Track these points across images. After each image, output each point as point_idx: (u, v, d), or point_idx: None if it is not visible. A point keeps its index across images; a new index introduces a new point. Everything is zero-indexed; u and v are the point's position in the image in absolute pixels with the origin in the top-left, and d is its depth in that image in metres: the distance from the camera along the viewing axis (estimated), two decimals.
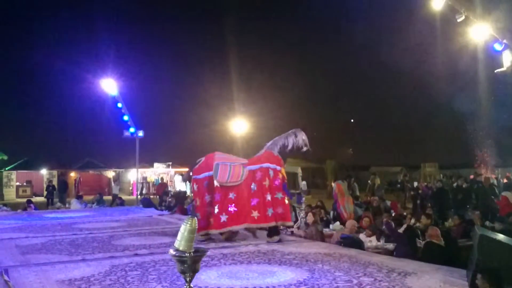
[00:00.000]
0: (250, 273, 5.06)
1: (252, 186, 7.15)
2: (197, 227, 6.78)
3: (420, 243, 7.50)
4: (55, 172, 31.43)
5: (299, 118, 43.03)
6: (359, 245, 7.10)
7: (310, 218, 9.19)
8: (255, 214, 7.03)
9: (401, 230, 7.84)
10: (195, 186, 7.34)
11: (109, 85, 18.37)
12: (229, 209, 7.02)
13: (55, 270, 5.21)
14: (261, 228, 7.34)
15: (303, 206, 11.52)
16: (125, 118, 18.57)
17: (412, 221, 10.34)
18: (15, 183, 31.47)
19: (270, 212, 7.04)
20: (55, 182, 26.15)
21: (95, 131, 34.09)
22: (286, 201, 7.27)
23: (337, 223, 10.22)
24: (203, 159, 7.41)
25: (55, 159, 33.04)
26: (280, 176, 7.31)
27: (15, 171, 31.80)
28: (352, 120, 47.85)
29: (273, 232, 7.18)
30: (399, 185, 22.86)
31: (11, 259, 5.86)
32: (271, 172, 7.22)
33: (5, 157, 31.46)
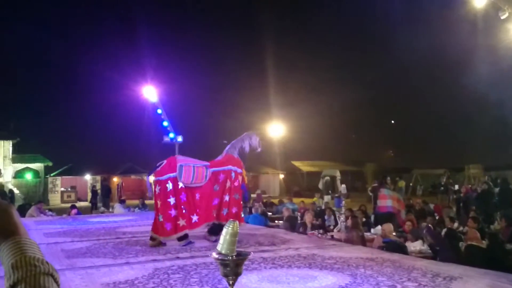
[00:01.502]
0: (291, 277, 5.03)
1: (215, 187, 7.42)
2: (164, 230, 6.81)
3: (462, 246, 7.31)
4: (98, 178, 32.27)
5: (337, 121, 42.73)
6: (402, 249, 6.96)
7: (350, 222, 9.08)
8: (214, 213, 7.41)
9: (442, 234, 7.66)
10: (157, 188, 7.25)
11: (149, 92, 18.74)
12: (197, 210, 7.26)
13: (100, 273, 5.31)
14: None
15: (343, 209, 11.41)
16: (165, 124, 18.89)
17: (456, 224, 10.08)
18: (60, 189, 32.47)
19: (225, 211, 7.40)
20: (98, 187, 26.85)
21: (136, 137, 34.89)
22: (241, 202, 7.80)
23: (378, 227, 10.06)
24: (164, 161, 7.40)
25: (98, 165, 33.92)
26: (240, 178, 7.68)
27: (60, 177, 32.83)
28: (392, 122, 46.98)
29: (214, 231, 7.34)
30: (442, 188, 22.31)
31: (58, 263, 6.01)
32: (233, 174, 7.56)
33: (50, 164, 32.54)
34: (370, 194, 17.72)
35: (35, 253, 1.10)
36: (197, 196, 7.28)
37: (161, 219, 7.07)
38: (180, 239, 7.11)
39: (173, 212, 7.08)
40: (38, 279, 1.03)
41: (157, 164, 7.40)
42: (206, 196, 7.35)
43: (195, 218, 7.19)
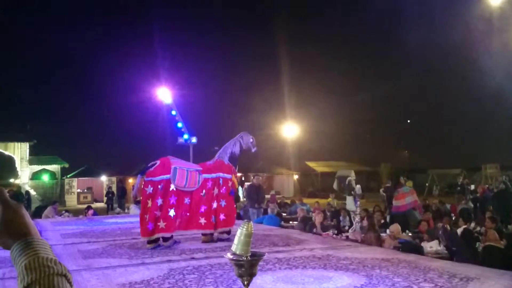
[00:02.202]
0: (305, 278, 5.02)
1: (202, 194, 7.37)
2: (147, 231, 6.68)
3: (480, 247, 7.22)
4: (114, 179, 32.52)
5: (351, 121, 42.52)
6: (418, 250, 6.90)
7: (367, 222, 9.04)
8: (202, 220, 7.31)
9: (459, 234, 7.59)
10: (149, 188, 7.16)
11: (163, 94, 18.86)
12: (184, 213, 7.23)
13: (116, 274, 5.35)
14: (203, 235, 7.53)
15: (358, 210, 11.36)
16: (179, 125, 18.98)
17: (473, 224, 9.97)
18: (76, 190, 32.79)
19: (213, 219, 7.36)
20: (114, 189, 27.07)
21: (151, 139, 35.10)
22: (234, 205, 7.81)
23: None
24: (158, 162, 7.35)
25: (114, 166, 34.21)
26: (230, 183, 7.62)
27: (76, 178, 33.17)
28: (408, 121, 46.56)
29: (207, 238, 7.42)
30: (459, 188, 22.06)
31: (74, 263, 6.07)
32: (220, 181, 7.52)
33: (67, 165, 32.91)
34: (383, 194, 17.61)
35: (48, 253, 1.09)
36: (186, 200, 7.27)
37: (147, 219, 7.03)
38: (165, 239, 7.11)
39: (157, 213, 7.06)
40: (52, 280, 1.03)
41: (149, 164, 7.36)
42: (195, 202, 7.32)
43: (178, 221, 7.17)
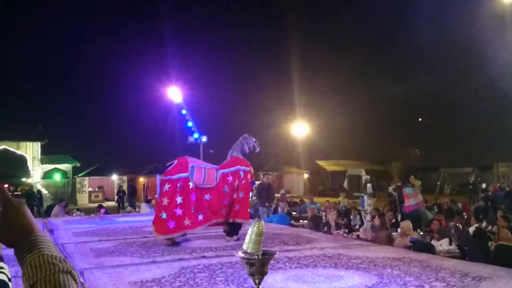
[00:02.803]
0: (316, 277, 5.00)
1: (224, 189, 7.52)
2: (167, 229, 6.78)
3: (492, 246, 7.15)
4: (125, 178, 32.71)
5: (362, 119, 42.34)
6: (429, 249, 6.85)
7: (378, 221, 8.99)
8: (224, 211, 7.56)
9: (470, 232, 7.53)
10: (166, 186, 7.26)
11: (174, 93, 18.92)
12: (205, 209, 7.38)
13: (128, 272, 5.38)
14: (218, 224, 7.74)
15: (369, 209, 11.31)
16: (189, 124, 19.03)
17: (484, 224, 9.89)
18: (88, 189, 33.01)
19: (237, 207, 7.56)
20: (125, 188, 27.21)
21: (161, 138, 35.27)
22: (248, 200, 7.97)
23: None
24: (175, 161, 7.48)
25: (125, 165, 34.42)
26: (249, 176, 7.82)
27: (87, 177, 33.40)
28: (420, 120, 46.20)
29: (232, 231, 7.54)
30: (470, 186, 21.89)
31: (86, 261, 6.11)
32: (241, 173, 7.68)
33: (78, 164, 33.14)
34: (394, 193, 17.51)
35: (52, 251, 1.09)
36: (206, 196, 7.40)
37: (164, 217, 7.12)
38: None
39: (178, 211, 7.13)
40: (57, 278, 1.03)
41: (167, 164, 7.53)
42: (215, 197, 7.47)
43: (200, 217, 7.32)
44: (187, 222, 7.17)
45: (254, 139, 8.23)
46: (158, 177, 7.50)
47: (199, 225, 7.39)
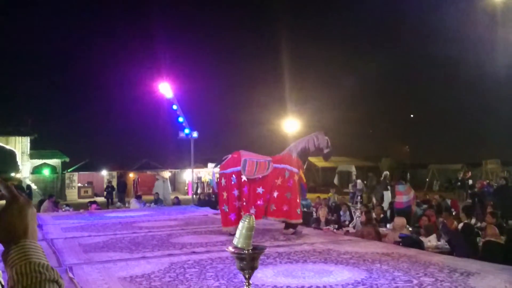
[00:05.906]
0: (306, 272, 5.03)
1: (277, 181, 7.58)
2: (230, 221, 6.90)
3: (480, 242, 7.23)
4: (114, 173, 32.54)
5: (352, 116, 42.48)
6: (418, 244, 6.90)
7: (364, 217, 9.03)
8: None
9: (459, 228, 7.59)
10: (222, 181, 7.63)
11: (165, 88, 18.82)
12: (258, 202, 7.48)
13: (117, 267, 5.37)
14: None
15: (359, 205, 11.36)
16: (180, 119, 18.95)
17: (473, 220, 9.98)
18: (77, 184, 32.79)
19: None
20: (114, 183, 27.07)
21: (152, 133, 35.14)
22: (298, 200, 7.78)
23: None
24: (229, 156, 7.73)
25: (115, 161, 34.24)
26: (296, 177, 7.76)
27: (77, 173, 33.16)
28: (412, 116, 46.39)
29: (288, 226, 7.63)
30: (459, 183, 22.08)
31: (75, 257, 6.09)
32: (286, 173, 7.66)
33: (67, 159, 32.92)
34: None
35: (40, 258, 1.07)
36: (259, 190, 7.50)
37: (226, 210, 7.45)
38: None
39: (237, 203, 7.43)
40: (43, 286, 1.03)
41: (223, 158, 7.81)
42: (268, 190, 7.53)
43: (252, 211, 7.38)
44: (243, 214, 7.21)
45: (326, 138, 8.05)
46: (213, 171, 7.69)
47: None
